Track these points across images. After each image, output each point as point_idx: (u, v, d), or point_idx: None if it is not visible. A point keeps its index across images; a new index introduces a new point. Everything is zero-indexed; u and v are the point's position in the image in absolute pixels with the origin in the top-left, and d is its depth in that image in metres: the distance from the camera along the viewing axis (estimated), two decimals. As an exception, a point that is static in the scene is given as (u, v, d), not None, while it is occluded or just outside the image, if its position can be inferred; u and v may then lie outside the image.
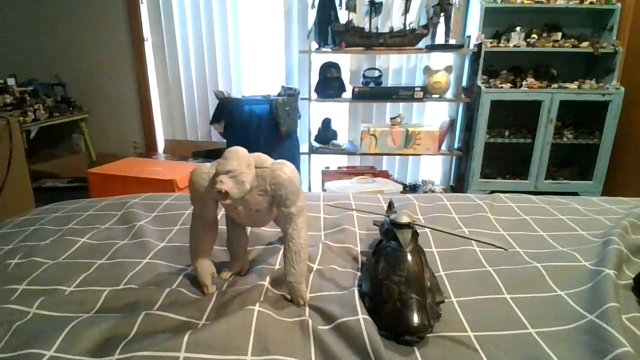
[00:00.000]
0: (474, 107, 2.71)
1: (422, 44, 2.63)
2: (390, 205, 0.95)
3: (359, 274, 0.78)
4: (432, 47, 2.61)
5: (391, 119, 2.79)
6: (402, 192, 2.47)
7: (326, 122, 2.88)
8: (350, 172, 2.85)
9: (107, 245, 0.90)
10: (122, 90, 3.20)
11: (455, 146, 2.91)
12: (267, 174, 0.66)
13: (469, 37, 2.73)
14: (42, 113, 2.79)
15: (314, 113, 2.86)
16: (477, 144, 2.71)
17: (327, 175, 2.81)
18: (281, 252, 0.83)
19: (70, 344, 0.55)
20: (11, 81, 2.79)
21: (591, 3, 2.58)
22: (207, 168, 0.68)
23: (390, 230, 0.69)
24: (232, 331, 0.56)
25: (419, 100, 2.68)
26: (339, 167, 3.03)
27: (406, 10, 2.61)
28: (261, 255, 0.86)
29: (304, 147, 2.81)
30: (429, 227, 0.73)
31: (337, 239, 0.91)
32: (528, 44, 2.60)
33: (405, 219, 0.68)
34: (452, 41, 2.63)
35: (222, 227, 0.79)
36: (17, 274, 0.78)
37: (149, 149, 3.30)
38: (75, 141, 3.30)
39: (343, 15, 2.63)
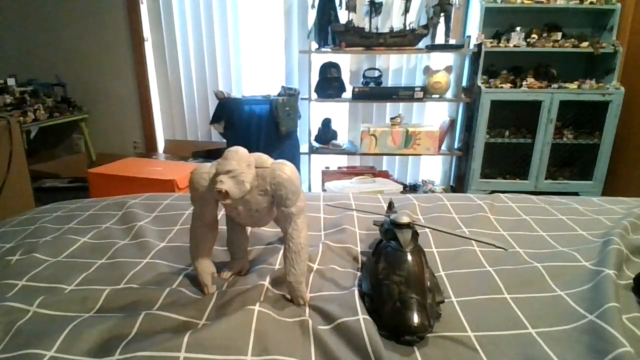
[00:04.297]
0: (474, 107, 2.71)
1: (422, 44, 2.63)
2: (390, 205, 0.95)
3: (359, 274, 0.78)
4: (432, 47, 2.61)
5: (391, 119, 2.79)
6: (402, 192, 2.47)
7: (326, 122, 2.88)
8: (350, 172, 2.85)
9: (108, 245, 0.90)
10: (122, 90, 3.19)
11: (455, 146, 2.91)
12: (267, 173, 0.66)
13: (469, 37, 2.73)
14: (42, 113, 2.79)
15: (314, 113, 2.86)
16: (477, 144, 2.71)
17: (327, 175, 2.81)
18: (281, 252, 0.83)
19: (70, 344, 0.55)
20: (11, 81, 2.79)
21: (591, 3, 2.58)
22: (207, 168, 0.68)
23: (390, 230, 0.69)
24: (232, 331, 0.56)
25: (419, 100, 2.68)
26: (339, 167, 3.03)
27: (406, 10, 2.61)
28: (261, 255, 0.86)
29: (304, 147, 2.81)
30: (429, 227, 0.73)
31: (337, 239, 0.91)
32: (528, 44, 2.60)
33: (405, 219, 0.68)
34: (452, 41, 2.63)
35: (222, 227, 0.79)
36: (18, 270, 0.78)
37: (149, 149, 3.30)
38: (75, 141, 3.30)
39: (343, 15, 2.63)
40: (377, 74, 2.79)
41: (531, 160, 2.71)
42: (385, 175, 2.85)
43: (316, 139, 2.88)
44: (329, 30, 2.64)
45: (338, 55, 2.76)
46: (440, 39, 2.66)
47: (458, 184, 3.05)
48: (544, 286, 0.72)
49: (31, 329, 0.59)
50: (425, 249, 0.71)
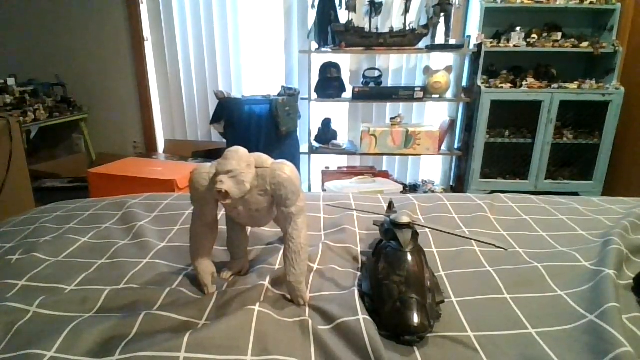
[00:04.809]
0: (474, 107, 2.71)
1: (422, 44, 2.63)
2: (390, 205, 0.95)
3: (359, 274, 0.78)
4: (432, 47, 2.61)
5: (391, 119, 2.79)
6: (402, 192, 2.47)
7: (326, 122, 2.88)
8: (350, 172, 2.85)
9: (108, 245, 0.90)
10: (122, 90, 3.19)
11: (455, 146, 2.91)
12: (267, 173, 0.66)
13: (469, 37, 2.73)
14: (42, 113, 2.79)
15: (314, 113, 2.86)
16: (477, 144, 2.71)
17: (327, 175, 2.81)
18: (281, 252, 0.83)
19: (70, 345, 0.55)
20: (11, 81, 2.78)
21: (591, 3, 2.58)
22: (207, 168, 0.68)
23: (390, 230, 0.69)
24: (232, 331, 0.56)
25: (419, 100, 2.68)
26: (339, 167, 3.03)
27: (406, 10, 2.61)
28: (261, 255, 0.86)
29: (304, 147, 2.81)
30: (429, 227, 0.73)
31: (337, 239, 0.91)
32: (528, 44, 2.60)
33: (405, 219, 0.68)
34: (452, 41, 2.63)
35: (222, 227, 0.79)
36: (18, 269, 0.78)
37: (149, 149, 3.30)
38: (75, 141, 3.29)
39: (343, 15, 2.63)
40: (377, 74, 2.79)
41: (531, 160, 2.71)
42: (385, 175, 2.85)
43: (316, 139, 2.88)
44: (329, 30, 2.64)
45: (338, 55, 2.76)
46: (440, 39, 2.66)
47: (458, 184, 3.05)
48: (544, 286, 0.72)
49: (31, 329, 0.59)
50: (425, 249, 0.71)
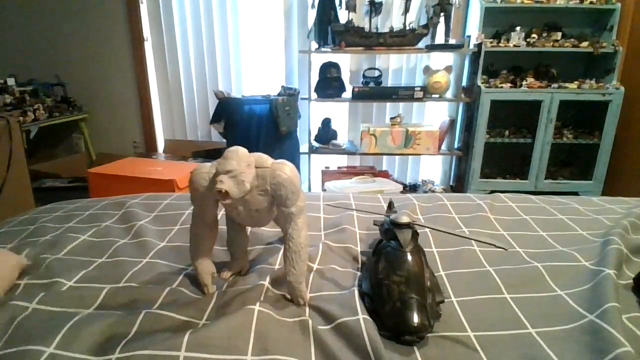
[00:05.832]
0: (474, 107, 2.71)
1: (422, 44, 2.63)
2: (390, 205, 0.95)
3: (359, 274, 0.78)
4: (432, 47, 2.61)
5: (391, 118, 2.79)
6: (402, 192, 2.47)
7: (326, 122, 2.88)
8: (350, 172, 2.85)
9: (107, 244, 0.90)
10: (122, 90, 3.19)
11: (455, 146, 2.91)
12: (267, 173, 0.66)
13: (469, 37, 2.73)
14: (42, 113, 2.79)
15: (314, 113, 2.86)
16: (477, 144, 2.71)
17: (327, 175, 2.81)
18: (281, 252, 0.83)
19: (70, 342, 0.55)
20: (11, 81, 2.78)
21: (591, 3, 2.58)
22: (207, 168, 0.68)
23: (390, 230, 0.69)
24: (232, 331, 0.56)
25: (419, 100, 2.68)
26: (339, 167, 3.03)
27: (406, 10, 2.61)
28: (261, 255, 0.86)
29: (304, 147, 2.81)
30: (429, 227, 0.73)
31: (337, 239, 0.91)
32: (528, 44, 2.60)
33: (405, 219, 0.68)
34: (452, 41, 2.63)
35: (222, 227, 0.79)
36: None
37: (149, 149, 3.30)
38: (75, 141, 3.29)
39: (343, 15, 2.63)
40: (377, 73, 2.79)
41: (531, 160, 2.71)
42: (385, 175, 2.85)
43: (316, 139, 2.88)
44: (329, 30, 2.64)
45: (338, 55, 2.76)
46: (440, 39, 2.66)
47: (458, 183, 3.05)
48: (544, 286, 0.72)
49: (31, 326, 0.59)
50: (425, 249, 0.71)
